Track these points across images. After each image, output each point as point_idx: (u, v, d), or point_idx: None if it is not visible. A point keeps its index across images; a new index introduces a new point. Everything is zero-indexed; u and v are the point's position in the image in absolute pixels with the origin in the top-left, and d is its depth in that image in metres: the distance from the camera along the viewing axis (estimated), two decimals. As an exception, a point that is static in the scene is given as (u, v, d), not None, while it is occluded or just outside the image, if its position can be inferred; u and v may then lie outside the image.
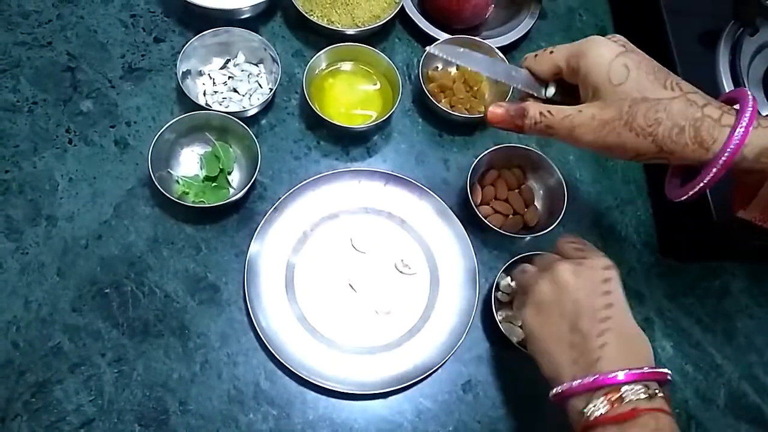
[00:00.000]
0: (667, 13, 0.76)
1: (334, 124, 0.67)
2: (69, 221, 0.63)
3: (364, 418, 0.59)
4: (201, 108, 0.66)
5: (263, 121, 0.71)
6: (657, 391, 0.45)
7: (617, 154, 0.46)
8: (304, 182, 0.66)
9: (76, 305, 0.59)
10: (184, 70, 0.68)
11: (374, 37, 0.75)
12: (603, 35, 0.47)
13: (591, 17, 0.84)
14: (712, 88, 0.72)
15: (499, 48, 0.74)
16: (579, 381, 0.46)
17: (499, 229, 0.65)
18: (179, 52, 0.67)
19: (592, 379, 0.45)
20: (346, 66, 0.73)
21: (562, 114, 0.46)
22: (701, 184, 0.45)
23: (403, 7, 0.76)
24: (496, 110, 0.50)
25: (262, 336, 0.59)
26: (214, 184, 0.66)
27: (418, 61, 0.75)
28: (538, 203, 0.70)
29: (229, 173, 0.67)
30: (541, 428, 0.61)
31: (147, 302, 0.60)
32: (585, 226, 0.71)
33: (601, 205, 0.73)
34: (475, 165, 0.67)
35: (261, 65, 0.72)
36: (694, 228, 0.68)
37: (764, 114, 0.47)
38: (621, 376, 0.44)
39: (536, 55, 0.49)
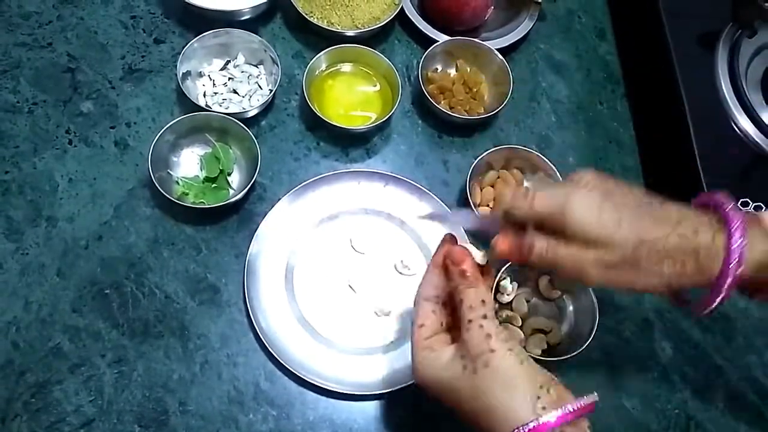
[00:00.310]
0: (665, 15, 0.76)
1: (334, 126, 0.67)
2: (69, 222, 0.63)
3: (364, 419, 0.59)
4: (201, 109, 0.66)
5: (263, 122, 0.71)
6: None
7: (628, 290, 0.46)
8: (304, 183, 0.66)
9: (76, 306, 0.59)
10: (184, 71, 0.68)
11: (374, 38, 0.76)
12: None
13: (590, 19, 0.84)
14: (710, 91, 0.73)
15: (498, 50, 0.74)
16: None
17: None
18: (179, 53, 0.67)
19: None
20: (346, 67, 0.73)
21: (568, 251, 0.43)
22: (714, 305, 0.44)
23: (402, 9, 0.76)
24: (502, 244, 0.46)
25: (261, 337, 0.59)
26: (214, 185, 0.66)
27: (418, 63, 0.75)
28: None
29: (229, 174, 0.67)
30: (541, 429, 0.61)
31: (147, 303, 0.61)
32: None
33: (600, 206, 0.73)
34: (474, 166, 0.67)
35: (261, 66, 0.72)
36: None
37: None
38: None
39: (517, 200, 0.45)
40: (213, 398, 0.58)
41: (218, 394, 0.58)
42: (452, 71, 0.77)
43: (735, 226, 0.41)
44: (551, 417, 0.39)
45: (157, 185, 0.61)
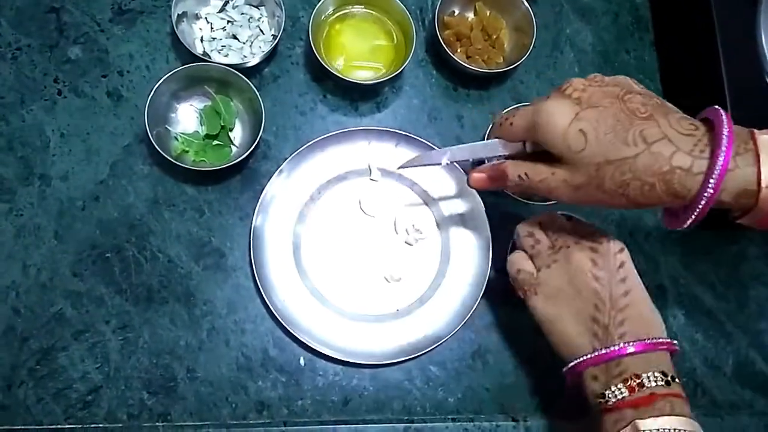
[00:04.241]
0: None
1: (342, 78, 0.63)
2: (63, 181, 0.59)
3: (374, 385, 0.59)
4: (199, 59, 0.61)
5: (265, 71, 0.66)
6: (674, 377, 0.46)
7: (600, 206, 0.46)
8: (311, 143, 0.62)
9: (76, 270, 0.57)
10: (179, 12, 0.63)
11: (386, -23, 0.69)
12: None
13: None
14: (749, 44, 0.67)
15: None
16: (591, 355, 0.47)
17: (515, 194, 0.62)
18: (174, -7, 0.61)
19: (605, 352, 0.46)
20: (356, 10, 0.67)
21: (538, 177, 0.45)
22: (687, 223, 0.43)
23: (418, -57, 0.69)
24: (478, 176, 0.50)
25: (269, 304, 0.57)
26: (215, 142, 0.62)
27: (434, 4, 0.69)
28: (555, 164, 0.67)
29: (231, 129, 0.63)
30: (550, 397, 0.61)
31: (150, 267, 0.59)
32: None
33: (621, 166, 0.70)
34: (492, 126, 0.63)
35: (262, 8, 0.66)
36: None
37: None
38: (630, 348, 0.46)
39: (500, 125, 0.48)
40: (221, 365, 0.57)
41: (226, 360, 0.57)
42: (470, 15, 0.71)
43: (722, 150, 0.39)
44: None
45: (155, 145, 0.57)
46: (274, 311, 0.57)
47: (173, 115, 0.62)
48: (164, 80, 0.58)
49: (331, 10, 0.66)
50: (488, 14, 0.70)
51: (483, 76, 0.68)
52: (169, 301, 0.58)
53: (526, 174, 0.46)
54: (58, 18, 0.64)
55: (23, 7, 0.63)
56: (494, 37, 0.70)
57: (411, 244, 0.63)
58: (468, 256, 0.62)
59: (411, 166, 0.54)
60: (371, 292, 0.61)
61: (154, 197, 0.60)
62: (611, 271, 0.48)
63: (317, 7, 0.63)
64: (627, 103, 0.42)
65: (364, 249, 0.62)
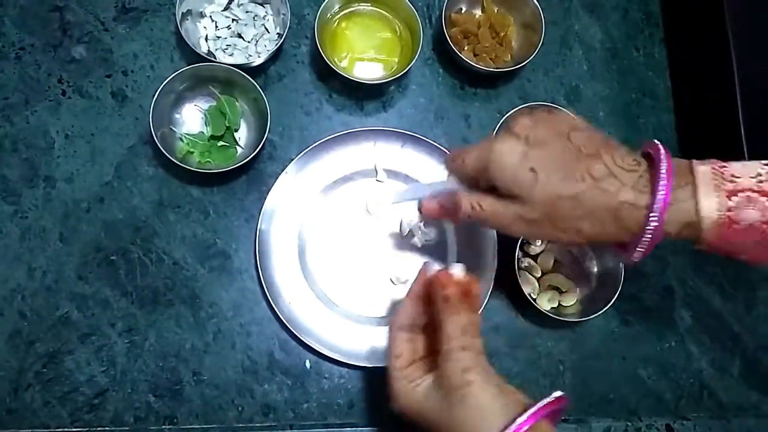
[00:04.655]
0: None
1: (348, 78, 0.62)
2: (68, 182, 0.59)
3: (380, 387, 0.59)
4: (203, 59, 0.60)
5: (271, 70, 0.65)
6: None
7: (556, 242, 0.46)
8: (317, 143, 0.61)
9: (81, 273, 0.57)
10: (184, 11, 0.62)
11: (392, -27, 0.68)
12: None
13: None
14: (763, 41, 0.66)
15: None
16: None
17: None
18: (178, -8, 0.60)
19: None
20: (362, 8, 0.67)
21: (491, 209, 0.45)
22: (637, 257, 0.44)
23: (425, -61, 0.68)
24: (430, 205, 0.50)
25: (275, 307, 0.57)
26: (220, 143, 0.61)
27: (440, 1, 0.68)
28: (563, 165, 0.66)
29: (236, 130, 0.62)
30: (555, 398, 0.61)
31: (155, 270, 0.58)
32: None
33: (629, 166, 0.69)
34: (499, 126, 0.62)
35: (267, 6, 0.65)
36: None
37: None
38: None
39: (453, 161, 0.47)
40: (227, 368, 0.57)
41: (232, 363, 0.57)
42: (478, 12, 0.70)
43: (661, 185, 0.40)
44: (521, 419, 0.39)
45: (159, 146, 0.56)
46: (279, 314, 0.57)
47: (178, 115, 0.61)
48: (169, 81, 0.58)
49: (337, 7, 0.65)
50: (496, 11, 0.69)
51: (490, 74, 0.68)
52: (174, 303, 0.58)
53: (480, 205, 0.45)
54: (61, 17, 0.63)
55: (27, 5, 0.63)
56: (502, 34, 0.69)
57: (417, 246, 0.62)
58: (474, 258, 0.62)
59: (398, 202, 0.55)
60: (377, 294, 0.61)
61: (159, 199, 0.60)
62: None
63: (323, 5, 0.62)
64: (573, 140, 0.42)
65: (370, 251, 0.61)
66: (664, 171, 0.40)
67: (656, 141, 0.43)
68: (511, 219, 0.44)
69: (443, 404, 0.41)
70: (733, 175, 0.40)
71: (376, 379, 0.59)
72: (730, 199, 0.40)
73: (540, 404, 0.40)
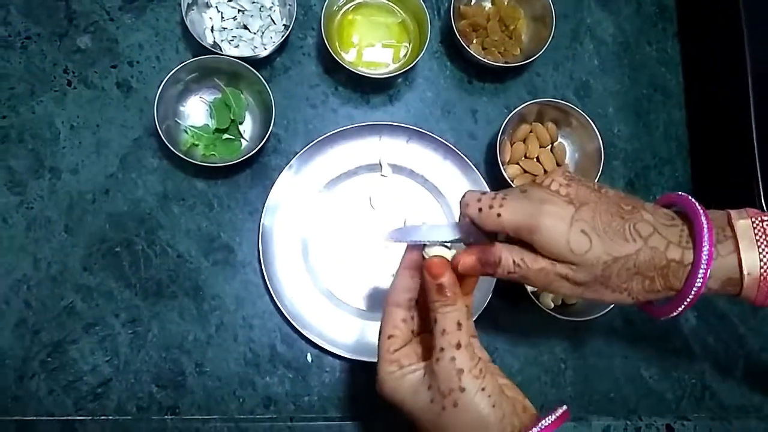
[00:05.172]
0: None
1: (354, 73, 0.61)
2: (73, 174, 0.59)
3: (380, 383, 0.59)
4: (209, 51, 0.60)
5: (276, 62, 0.65)
6: None
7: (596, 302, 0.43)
8: (321, 137, 0.61)
9: (86, 264, 0.58)
10: (189, 1, 0.61)
11: (401, -36, 0.67)
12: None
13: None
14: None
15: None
16: None
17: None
18: (183, -18, 0.60)
19: None
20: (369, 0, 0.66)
21: (537, 266, 0.40)
22: (676, 313, 0.42)
23: (434, -71, 0.67)
24: (467, 260, 0.42)
25: (277, 301, 0.58)
26: (225, 135, 0.61)
27: (449, -7, 0.67)
28: (570, 162, 0.66)
29: (241, 123, 0.62)
30: (557, 397, 0.61)
31: (159, 262, 0.59)
32: (618, 187, 0.67)
33: (638, 164, 0.68)
34: (506, 122, 0.61)
35: (274, -4, 0.65)
36: (735, 192, 0.64)
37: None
38: None
39: (480, 210, 0.41)
40: (229, 360, 0.58)
41: (234, 356, 0.58)
42: (488, 4, 0.69)
43: (703, 244, 0.39)
44: None
45: (164, 139, 0.56)
46: (281, 308, 0.58)
47: (183, 108, 0.61)
48: (174, 73, 0.58)
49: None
50: (506, 3, 0.68)
51: (499, 69, 0.67)
52: (178, 295, 0.58)
53: (523, 261, 0.41)
54: (67, 6, 0.63)
55: (32, -6, 0.62)
56: (512, 27, 0.68)
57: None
58: (478, 256, 0.61)
59: (392, 239, 0.45)
60: (380, 290, 0.61)
61: (164, 191, 0.60)
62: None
63: (329, -4, 0.62)
64: (609, 197, 0.41)
65: (373, 246, 0.61)
66: (705, 225, 0.39)
67: (681, 193, 0.42)
68: (557, 279, 0.41)
69: (433, 406, 0.39)
70: None
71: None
72: None
73: (544, 423, 0.38)
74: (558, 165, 0.65)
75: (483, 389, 0.39)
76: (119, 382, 0.56)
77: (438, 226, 0.43)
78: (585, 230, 0.39)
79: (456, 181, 0.63)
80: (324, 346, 0.57)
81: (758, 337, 0.66)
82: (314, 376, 0.59)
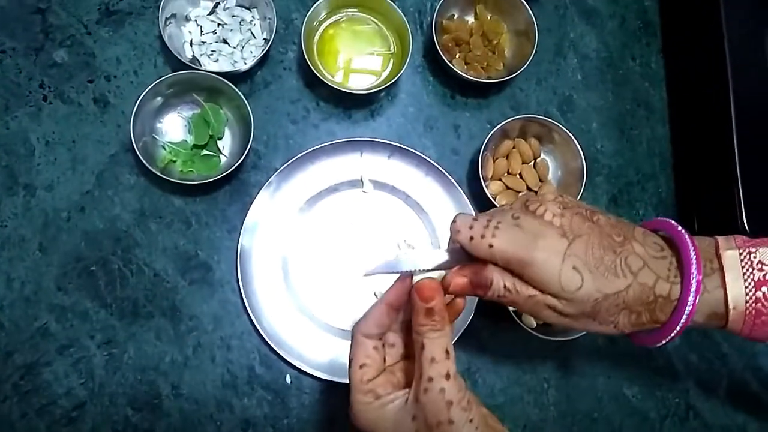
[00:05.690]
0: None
1: (335, 88, 0.61)
2: (48, 191, 0.58)
3: (360, 403, 0.58)
4: (188, 66, 0.59)
5: (257, 76, 0.64)
6: None
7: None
8: (302, 154, 0.60)
9: (61, 284, 0.57)
10: (168, 14, 0.61)
11: (383, -22, 0.66)
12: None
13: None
14: (760, 53, 0.65)
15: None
16: None
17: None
18: (161, -4, 0.59)
19: None
20: (351, 14, 0.65)
21: (527, 293, 0.40)
22: (660, 344, 0.42)
23: (417, -57, 0.66)
24: (458, 280, 0.41)
25: (255, 322, 0.57)
26: (203, 152, 0.60)
27: (432, 7, 0.67)
28: (552, 178, 0.65)
29: (220, 138, 0.61)
30: (539, 416, 0.61)
31: (135, 281, 0.58)
32: (601, 204, 0.67)
33: (621, 180, 0.68)
34: (489, 137, 0.61)
35: (254, 10, 0.64)
36: (718, 209, 0.64)
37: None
38: None
39: (471, 238, 0.40)
40: (206, 382, 0.57)
41: (212, 377, 0.57)
42: (470, 19, 0.68)
43: (691, 282, 0.38)
44: None
45: (140, 156, 0.55)
46: (260, 328, 0.57)
47: (160, 124, 0.60)
48: (151, 88, 0.57)
49: (324, 13, 0.64)
50: (489, 18, 0.68)
51: (482, 84, 0.66)
52: (154, 315, 0.57)
53: (514, 287, 0.40)
54: (44, 19, 0.62)
55: (8, 7, 0.61)
56: (495, 42, 0.67)
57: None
58: (460, 274, 0.61)
59: (376, 273, 0.43)
60: (361, 309, 0.59)
61: (141, 208, 0.59)
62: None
63: (310, 10, 0.61)
64: (601, 227, 0.40)
65: (355, 264, 0.60)
66: (693, 261, 0.38)
67: (672, 221, 0.41)
68: (545, 308, 0.40)
69: None
70: (761, 263, 0.39)
71: (357, 395, 0.58)
72: (759, 290, 0.38)
73: None
74: (541, 181, 0.65)
75: (471, 421, 0.38)
76: (94, 405, 0.55)
77: (427, 252, 0.43)
78: (577, 267, 0.38)
79: (438, 198, 0.62)
80: (303, 368, 0.57)
81: (741, 356, 0.66)
82: (293, 398, 0.58)
